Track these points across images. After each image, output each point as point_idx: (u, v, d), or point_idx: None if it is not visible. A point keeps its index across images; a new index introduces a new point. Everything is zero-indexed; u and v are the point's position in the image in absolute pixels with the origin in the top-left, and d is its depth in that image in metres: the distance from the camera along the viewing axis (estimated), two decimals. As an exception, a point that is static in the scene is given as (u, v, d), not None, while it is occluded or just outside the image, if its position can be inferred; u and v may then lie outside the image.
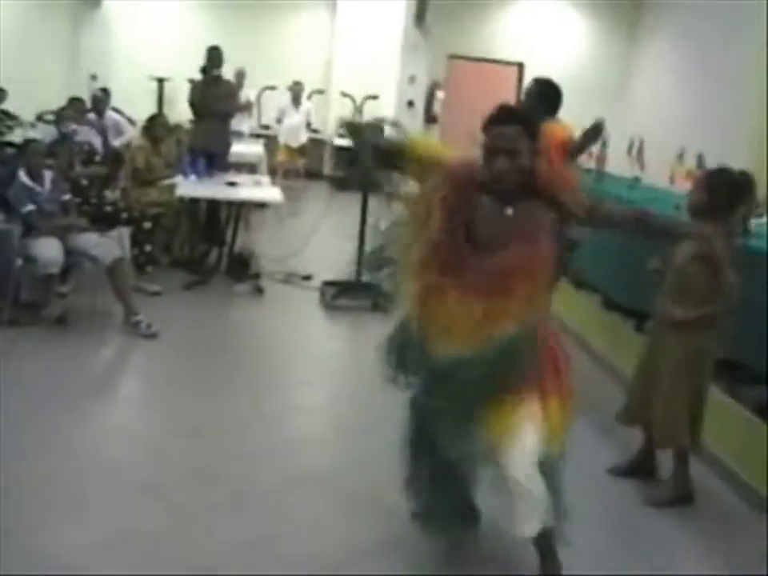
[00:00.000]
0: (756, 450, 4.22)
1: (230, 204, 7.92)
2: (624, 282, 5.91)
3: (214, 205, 8.16)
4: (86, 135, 8.59)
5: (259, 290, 7.32)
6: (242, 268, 7.69)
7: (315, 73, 14.48)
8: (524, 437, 3.01)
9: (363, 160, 3.39)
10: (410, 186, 3.26)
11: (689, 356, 3.99)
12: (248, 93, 12.11)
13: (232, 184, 7.85)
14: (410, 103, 13.77)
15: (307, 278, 7.75)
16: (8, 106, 10.31)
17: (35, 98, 10.48)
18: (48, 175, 6.09)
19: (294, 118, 12.94)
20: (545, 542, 3.17)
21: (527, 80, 6.25)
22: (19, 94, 10.36)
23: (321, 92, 14.48)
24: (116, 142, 9.26)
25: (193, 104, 8.40)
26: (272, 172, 11.34)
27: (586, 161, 7.84)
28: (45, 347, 5.56)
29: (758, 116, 9.26)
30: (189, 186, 7.68)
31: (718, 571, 3.63)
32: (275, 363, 5.92)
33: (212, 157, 8.29)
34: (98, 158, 8.22)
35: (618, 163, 8.17)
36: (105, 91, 10.25)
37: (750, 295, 3.94)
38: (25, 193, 5.89)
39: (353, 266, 6.88)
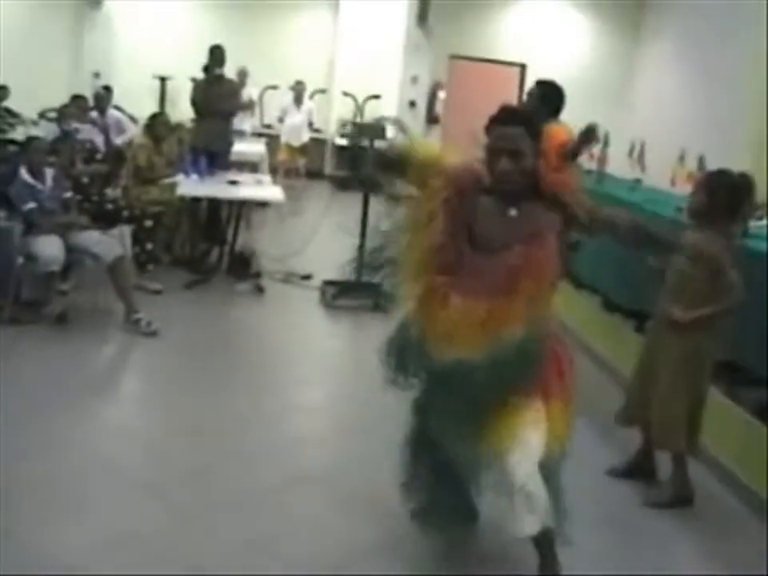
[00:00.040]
0: (756, 453, 4.22)
1: (231, 203, 7.93)
2: (624, 283, 5.91)
3: (215, 204, 8.17)
4: (88, 133, 8.60)
5: (260, 290, 7.33)
6: (242, 267, 7.69)
7: (317, 72, 14.49)
8: (527, 438, 3.01)
9: (366, 166, 3.39)
10: (410, 190, 3.26)
11: (688, 356, 4.00)
12: (250, 92, 12.11)
13: (233, 183, 7.86)
14: (412, 103, 13.78)
15: (307, 277, 7.75)
16: (11, 103, 10.33)
17: (38, 96, 10.48)
18: (49, 173, 6.10)
19: (296, 118, 12.95)
20: (545, 542, 3.17)
21: (529, 81, 6.25)
22: (22, 91, 10.38)
23: (323, 91, 14.47)
24: (118, 140, 9.26)
25: (195, 103, 8.41)
26: (273, 171, 11.35)
27: (587, 162, 7.85)
28: (46, 345, 5.56)
29: (758, 117, 9.26)
30: (190, 185, 7.69)
31: (717, 573, 3.63)
32: (275, 362, 5.93)
33: (213, 156, 8.30)
34: (99, 156, 8.22)
35: (619, 165, 8.17)
36: (107, 89, 10.28)
37: (749, 297, 3.95)
38: (26, 190, 5.90)
39: (353, 266, 6.89)
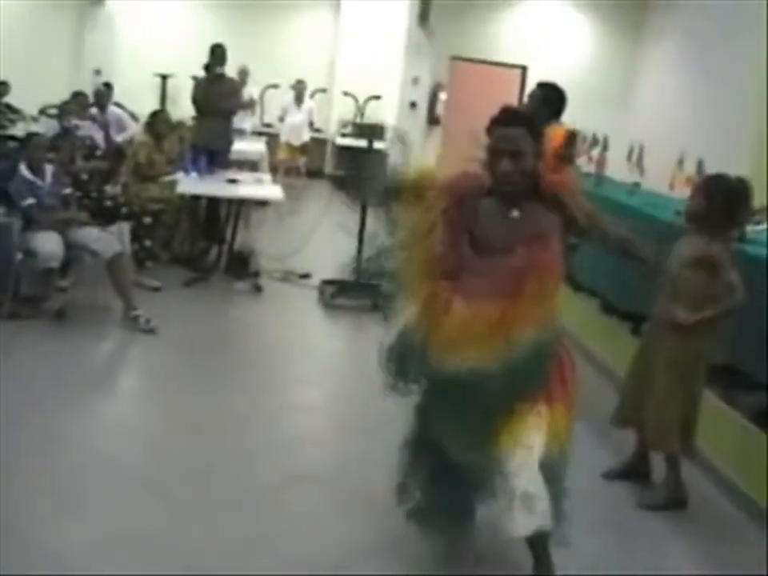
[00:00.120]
0: (751, 457, 4.23)
1: (231, 201, 7.94)
2: (622, 285, 5.92)
3: (214, 202, 8.17)
4: (88, 130, 8.62)
5: (258, 288, 7.33)
6: (241, 266, 7.69)
7: (318, 72, 14.48)
8: (529, 442, 3.01)
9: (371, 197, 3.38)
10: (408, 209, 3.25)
11: (685, 358, 4.01)
12: (251, 91, 12.12)
13: (233, 181, 7.86)
14: (413, 104, 13.77)
15: (305, 276, 7.76)
16: (11, 99, 10.32)
17: (39, 92, 10.48)
18: (49, 169, 6.10)
19: (297, 117, 12.94)
20: (539, 543, 3.17)
21: (530, 83, 6.26)
22: (23, 88, 10.38)
23: (323, 91, 14.48)
24: (118, 138, 9.27)
25: (196, 101, 8.42)
26: (273, 170, 11.35)
27: (586, 165, 7.86)
28: (44, 341, 5.57)
29: (759, 119, 9.25)
30: (190, 183, 7.70)
31: (711, 575, 3.64)
32: (274, 361, 5.93)
33: (214, 154, 8.31)
34: (99, 153, 8.23)
35: (619, 168, 8.17)
36: (108, 86, 10.28)
37: (747, 301, 3.96)
38: (26, 186, 5.91)
39: (352, 266, 6.89)
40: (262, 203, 9.40)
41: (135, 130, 9.51)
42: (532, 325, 2.97)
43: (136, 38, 13.90)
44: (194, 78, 8.94)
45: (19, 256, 5.81)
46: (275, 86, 13.69)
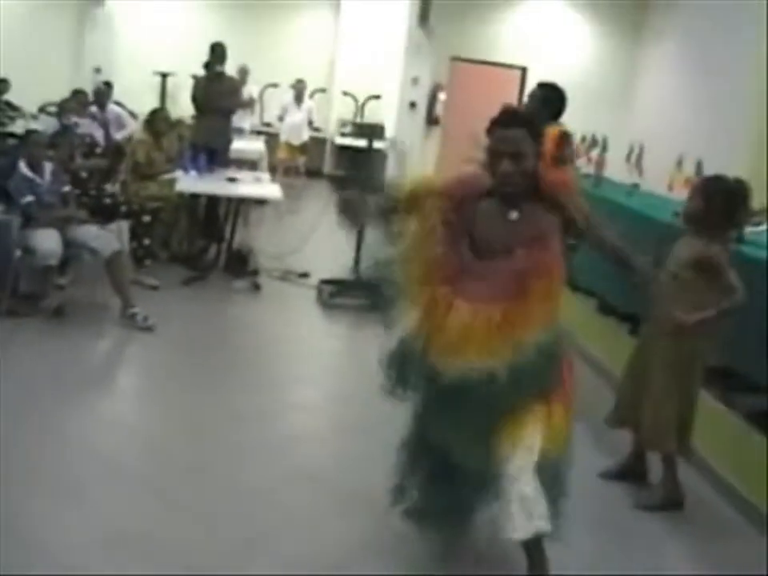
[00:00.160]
0: (748, 459, 4.24)
1: (230, 200, 7.94)
2: (619, 286, 5.92)
3: (213, 201, 8.18)
4: (88, 128, 8.62)
5: (257, 287, 7.34)
6: (240, 264, 7.70)
7: (318, 72, 14.48)
8: (526, 443, 3.01)
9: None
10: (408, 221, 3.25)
11: (681, 359, 4.02)
12: (250, 90, 12.12)
13: (232, 180, 7.87)
14: (412, 104, 13.78)
15: (304, 275, 7.76)
16: (11, 97, 10.33)
17: (39, 90, 10.50)
18: (48, 167, 6.11)
19: (296, 116, 12.94)
20: (534, 545, 3.16)
21: (530, 84, 6.26)
22: (23, 86, 10.39)
23: (323, 91, 14.49)
24: (118, 136, 9.28)
25: (195, 99, 8.42)
26: (272, 170, 11.35)
27: (585, 165, 7.87)
28: (43, 338, 5.57)
29: (759, 118, 9.25)
30: (189, 182, 7.70)
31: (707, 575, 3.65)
32: (272, 360, 5.94)
33: (213, 153, 8.32)
34: (98, 151, 8.23)
35: (619, 169, 8.19)
36: (107, 84, 10.28)
37: (746, 302, 3.96)
38: (25, 184, 5.91)
39: (351, 265, 6.91)
40: (261, 202, 9.41)
41: (135, 128, 9.51)
42: (538, 326, 2.97)
43: (136, 36, 13.90)
44: (194, 77, 8.94)
45: (18, 253, 5.81)
46: (275, 86, 13.71)
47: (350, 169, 14.09)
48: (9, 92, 10.36)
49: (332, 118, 14.75)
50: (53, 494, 3.67)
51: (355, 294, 6.78)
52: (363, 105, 14.41)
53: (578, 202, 3.13)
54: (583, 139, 8.08)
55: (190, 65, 10.47)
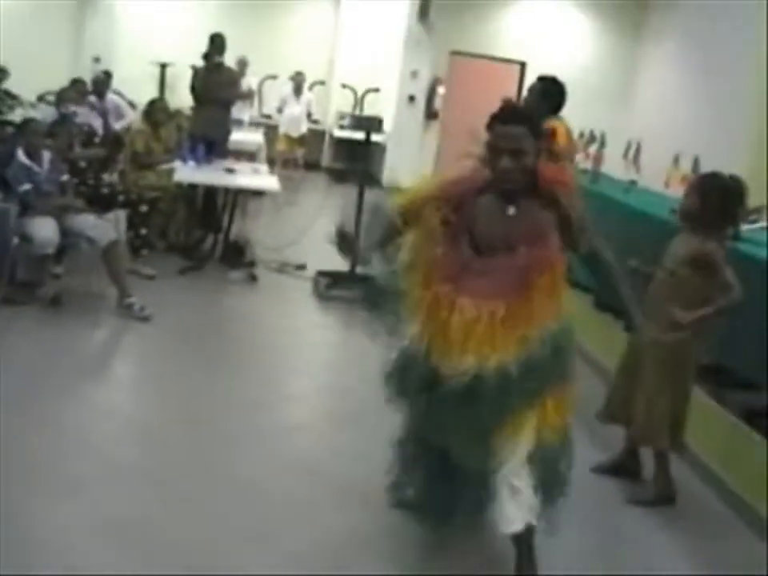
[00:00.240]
0: (741, 455, 4.26)
1: (227, 191, 7.94)
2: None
3: (211, 191, 8.18)
4: (86, 117, 8.60)
5: (253, 278, 7.34)
6: (236, 255, 7.70)
7: (317, 64, 14.46)
8: (520, 436, 3.03)
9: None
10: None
11: (675, 355, 4.03)
12: (249, 81, 12.11)
13: (230, 171, 7.87)
14: (411, 98, 13.77)
15: (301, 267, 7.77)
16: (10, 85, 10.30)
17: (38, 79, 10.47)
18: (47, 155, 6.10)
19: (295, 108, 12.94)
20: (524, 540, 3.16)
21: (529, 79, 6.26)
22: (22, 75, 10.36)
23: (322, 83, 14.47)
24: (116, 125, 9.26)
25: (194, 90, 8.42)
26: (271, 162, 11.35)
27: (583, 161, 7.88)
28: (39, 327, 5.58)
29: (759, 118, 9.26)
30: (187, 172, 7.70)
31: (699, 572, 3.66)
32: (268, 351, 5.94)
33: (211, 143, 8.31)
34: (97, 140, 8.22)
35: (616, 165, 8.19)
36: (106, 74, 10.26)
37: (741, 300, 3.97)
38: (23, 172, 5.91)
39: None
40: (259, 194, 9.40)
41: (133, 117, 9.51)
42: (543, 321, 2.99)
43: (136, 26, 13.87)
44: (193, 68, 8.93)
45: (15, 241, 5.81)
46: (274, 77, 13.68)
47: (348, 161, 14.11)
48: (7, 80, 10.33)
49: (331, 110, 14.74)
50: (48, 481, 3.68)
51: (351, 287, 6.78)
52: (362, 98, 14.39)
53: (574, 200, 3.13)
54: (581, 135, 8.08)
55: (189, 55, 10.44)
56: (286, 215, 9.79)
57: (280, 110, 13.05)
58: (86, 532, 3.34)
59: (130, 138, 8.26)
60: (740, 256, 4.56)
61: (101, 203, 6.87)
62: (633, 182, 7.61)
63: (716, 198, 3.98)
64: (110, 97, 9.61)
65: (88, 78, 9.96)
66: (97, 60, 13.13)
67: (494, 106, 3.18)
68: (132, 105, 10.23)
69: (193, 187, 7.91)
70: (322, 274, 7.25)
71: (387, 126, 13.63)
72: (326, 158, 14.94)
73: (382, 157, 13.61)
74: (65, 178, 6.31)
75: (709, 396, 4.61)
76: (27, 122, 6.47)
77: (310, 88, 13.62)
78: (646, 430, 4.11)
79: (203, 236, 8.04)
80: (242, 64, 11.81)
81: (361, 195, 6.95)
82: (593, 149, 7.91)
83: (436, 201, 3.15)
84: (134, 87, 11.69)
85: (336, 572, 3.28)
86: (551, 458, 3.12)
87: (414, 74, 13.69)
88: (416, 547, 3.50)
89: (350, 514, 3.68)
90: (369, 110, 14.12)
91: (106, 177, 7.65)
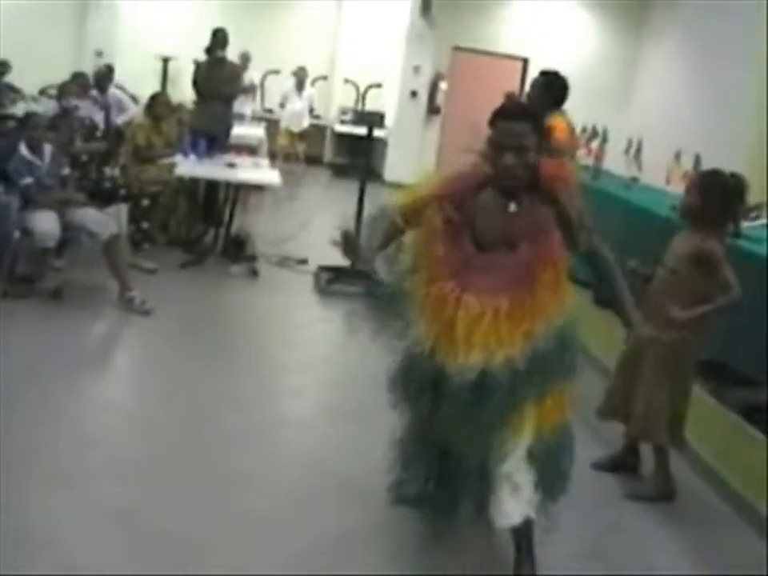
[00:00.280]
0: (740, 452, 4.26)
1: (229, 185, 7.94)
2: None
3: (212, 185, 8.18)
4: (88, 111, 8.59)
5: (254, 272, 7.35)
6: (237, 249, 7.71)
7: (319, 59, 14.45)
8: (524, 432, 3.03)
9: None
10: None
11: (674, 352, 4.03)
12: (252, 76, 12.11)
13: (231, 165, 7.87)
14: (413, 93, 13.78)
15: (302, 261, 7.77)
16: (12, 79, 10.31)
17: (40, 73, 10.48)
18: (48, 149, 6.10)
19: (297, 103, 12.94)
20: (523, 534, 3.17)
21: (531, 76, 6.25)
22: (24, 68, 10.37)
23: (324, 78, 14.46)
24: (118, 119, 9.25)
25: (196, 84, 8.42)
26: (272, 156, 11.35)
27: (584, 157, 7.88)
28: (40, 320, 5.58)
29: (759, 118, 9.27)
30: (188, 166, 7.70)
31: (698, 569, 3.67)
32: (268, 346, 5.95)
33: (213, 138, 8.32)
34: (99, 134, 8.22)
35: (618, 162, 8.19)
36: (108, 68, 10.25)
37: (741, 298, 3.97)
38: (24, 166, 5.91)
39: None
40: (260, 188, 9.40)
41: (135, 111, 9.50)
42: (548, 316, 2.99)
43: (138, 20, 13.85)
44: (195, 62, 8.93)
45: (17, 235, 5.81)
46: (276, 72, 13.67)
47: (349, 156, 14.11)
48: (9, 74, 10.33)
49: (333, 105, 14.74)
50: (48, 473, 3.68)
51: (353, 282, 6.78)
52: (364, 93, 14.39)
53: (574, 197, 3.12)
54: (583, 130, 8.08)
55: (191, 50, 10.46)
56: (287, 210, 9.79)
57: (282, 105, 13.05)
58: (84, 525, 3.35)
59: (131, 132, 8.25)
60: (740, 253, 4.57)
61: (102, 197, 6.88)
62: (634, 179, 7.62)
63: (716, 195, 3.98)
64: (112, 91, 9.60)
65: (90, 71, 9.94)
66: (99, 54, 13.13)
67: (496, 101, 3.19)
68: (134, 99, 10.22)
69: (194, 181, 7.92)
70: (323, 268, 7.25)
71: (389, 121, 13.66)
72: (328, 152, 14.95)
73: (384, 152, 13.61)
74: (66, 171, 6.31)
75: (709, 393, 4.62)
76: (29, 115, 6.47)
77: (313, 83, 13.62)
78: (646, 426, 4.11)
79: (204, 230, 8.05)
80: (245, 59, 11.81)
81: (362, 190, 6.95)
82: (594, 144, 7.90)
83: (437, 200, 3.15)
84: (136, 81, 11.69)
85: (335, 569, 3.28)
86: (552, 453, 3.12)
87: (417, 70, 13.70)
88: (416, 544, 3.50)
89: (350, 511, 3.68)
90: (371, 106, 14.11)
91: (107, 171, 7.65)
